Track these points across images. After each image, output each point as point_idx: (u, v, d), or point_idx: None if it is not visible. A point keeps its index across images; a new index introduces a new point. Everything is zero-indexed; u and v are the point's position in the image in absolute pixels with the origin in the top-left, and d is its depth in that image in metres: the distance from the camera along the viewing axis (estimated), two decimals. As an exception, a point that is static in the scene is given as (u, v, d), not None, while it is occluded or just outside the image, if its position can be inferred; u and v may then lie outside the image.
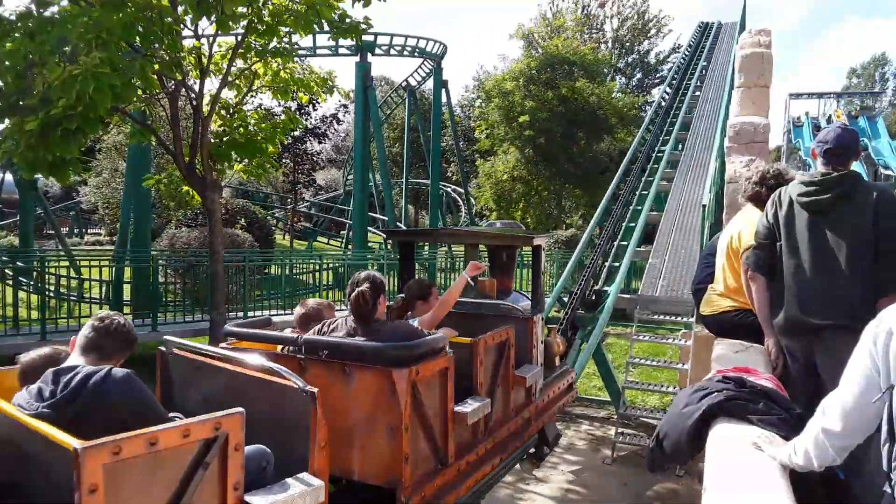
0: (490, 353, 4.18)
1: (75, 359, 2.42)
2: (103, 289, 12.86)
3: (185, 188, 9.24)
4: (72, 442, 1.85)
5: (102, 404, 2.18)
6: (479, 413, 3.79)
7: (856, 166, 3.38)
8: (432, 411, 3.38)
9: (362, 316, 3.42)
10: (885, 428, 1.70)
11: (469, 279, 4.60)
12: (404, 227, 26.42)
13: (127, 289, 12.53)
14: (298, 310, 4.04)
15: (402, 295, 4.84)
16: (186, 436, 2.05)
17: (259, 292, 13.13)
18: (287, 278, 14.31)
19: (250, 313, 11.48)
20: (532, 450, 5.33)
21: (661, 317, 10.30)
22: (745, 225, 3.67)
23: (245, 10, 7.34)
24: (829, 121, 34.83)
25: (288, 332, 3.74)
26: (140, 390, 2.27)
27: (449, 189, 36.57)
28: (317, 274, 15.68)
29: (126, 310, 11.61)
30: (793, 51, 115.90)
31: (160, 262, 11.91)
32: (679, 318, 10.37)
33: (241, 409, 2.22)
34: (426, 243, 19.94)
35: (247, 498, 2.26)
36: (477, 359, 3.94)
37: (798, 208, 3.00)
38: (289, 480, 2.46)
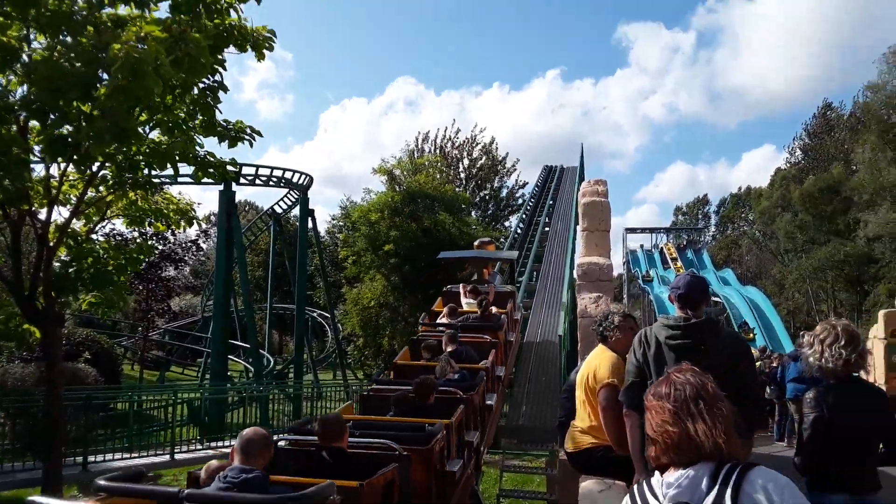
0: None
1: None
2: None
3: (26, 326, 8.41)
4: None
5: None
6: None
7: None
8: None
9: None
10: None
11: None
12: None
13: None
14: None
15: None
16: None
17: (103, 431, 11.89)
18: (136, 414, 13.12)
19: (90, 457, 10.31)
20: None
21: (527, 445, 10.53)
22: (599, 363, 3.98)
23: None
24: (661, 252, 39.12)
25: None
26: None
27: (315, 314, 35.97)
28: (170, 408, 14.48)
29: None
30: (628, 188, 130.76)
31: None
32: (543, 446, 10.64)
33: None
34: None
35: None
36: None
37: (666, 349, 3.32)
38: None
